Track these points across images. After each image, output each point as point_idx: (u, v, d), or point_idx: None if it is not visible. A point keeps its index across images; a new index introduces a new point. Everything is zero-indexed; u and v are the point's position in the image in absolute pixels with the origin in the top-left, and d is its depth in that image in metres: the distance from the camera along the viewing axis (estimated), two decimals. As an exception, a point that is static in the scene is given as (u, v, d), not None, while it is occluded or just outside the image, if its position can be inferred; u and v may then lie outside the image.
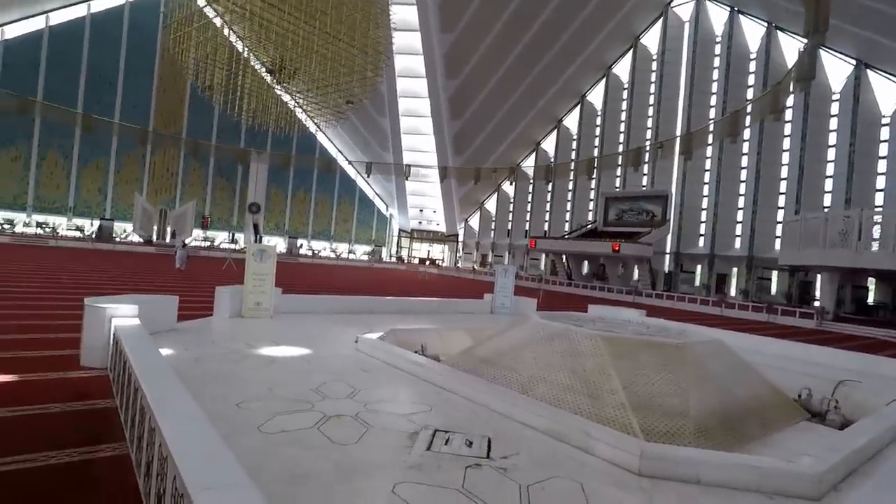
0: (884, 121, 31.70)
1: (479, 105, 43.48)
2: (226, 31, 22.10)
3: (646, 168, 41.28)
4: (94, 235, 36.10)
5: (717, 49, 39.14)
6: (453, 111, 43.81)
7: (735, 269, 36.85)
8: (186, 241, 31.31)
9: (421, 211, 54.42)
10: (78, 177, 39.20)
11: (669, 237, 39.26)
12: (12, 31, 35.93)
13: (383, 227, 57.05)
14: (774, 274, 34.71)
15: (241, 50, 23.69)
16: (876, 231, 23.87)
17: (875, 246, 22.72)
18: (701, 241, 39.06)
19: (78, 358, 5.86)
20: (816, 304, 31.38)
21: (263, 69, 19.02)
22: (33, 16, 36.33)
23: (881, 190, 31.53)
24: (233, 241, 44.10)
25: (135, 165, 41.92)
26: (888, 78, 31.15)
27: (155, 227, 39.49)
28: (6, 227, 34.26)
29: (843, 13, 25.39)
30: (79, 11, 38.44)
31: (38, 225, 36.25)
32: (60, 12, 37.53)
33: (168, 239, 38.23)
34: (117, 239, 37.26)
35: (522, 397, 5.13)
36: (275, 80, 18.70)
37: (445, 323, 10.65)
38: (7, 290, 11.45)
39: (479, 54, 40.39)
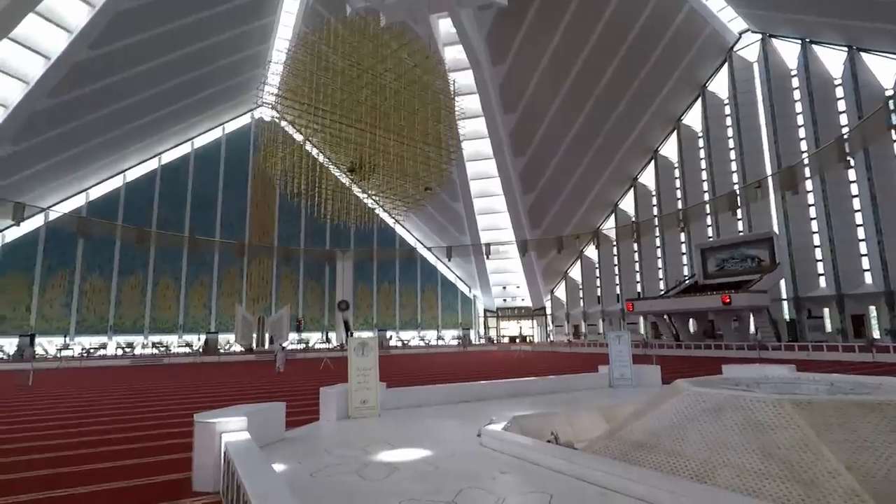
0: None
1: (551, 175, 43.45)
2: (307, 145, 24.04)
3: (739, 213, 38.46)
4: (201, 349, 38.36)
5: (795, 82, 37.08)
6: (525, 185, 44.02)
7: (873, 308, 32.02)
8: (284, 345, 32.32)
9: (504, 288, 53.52)
10: (186, 295, 42.67)
11: (783, 282, 35.32)
12: (133, 174, 41.46)
13: (468, 309, 56.46)
14: (926, 308, 29.70)
15: (320, 159, 25.55)
16: None
17: None
18: (822, 282, 34.70)
19: (191, 482, 5.42)
20: None
21: (345, 169, 20.12)
22: (149, 159, 41.88)
23: None
24: (326, 340, 45.16)
25: (234, 278, 45.17)
26: None
27: (254, 335, 41.41)
28: (127, 350, 37.31)
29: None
30: (185, 149, 43.95)
31: (154, 345, 39.19)
32: (170, 152, 43.05)
33: (267, 345, 39.80)
34: (221, 350, 39.31)
35: (729, 494, 3.91)
36: (356, 178, 19.59)
37: (566, 404, 9.46)
38: (121, 412, 11.74)
39: (544, 126, 40.99)
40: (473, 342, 50.70)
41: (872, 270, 32.20)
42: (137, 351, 37.75)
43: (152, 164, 42.40)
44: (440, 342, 50.71)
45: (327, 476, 4.95)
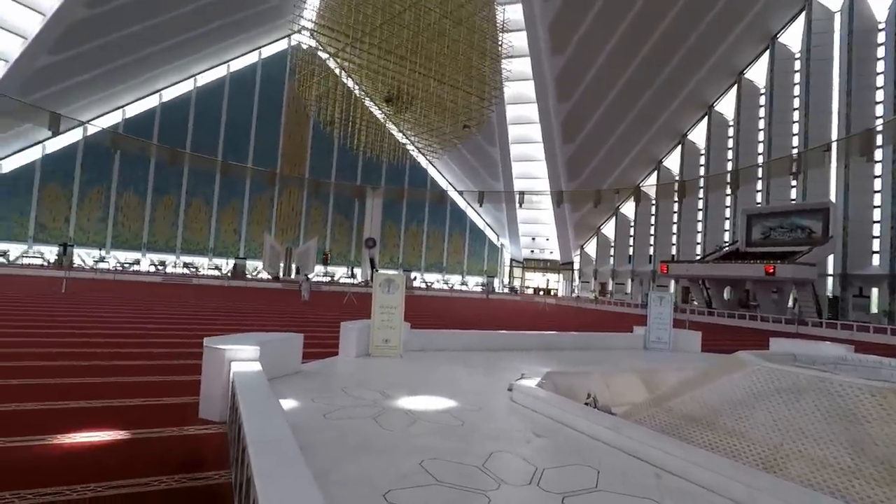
0: None
1: (594, 126, 41.16)
2: (344, 76, 22.92)
3: (793, 180, 35.96)
4: (229, 274, 39.04)
5: (882, 37, 33.34)
6: (566, 135, 41.92)
7: (926, 293, 30.06)
8: (309, 276, 32.46)
9: (533, 239, 52.47)
10: (217, 220, 43.10)
11: (832, 257, 33.33)
12: (168, 95, 40.99)
13: (494, 257, 55.88)
14: None
15: (356, 89, 24.47)
16: None
17: None
18: (876, 259, 32.60)
19: (197, 409, 5.02)
20: None
21: (381, 99, 19.04)
22: (184, 79, 41.21)
23: None
24: (351, 275, 45.48)
25: (265, 207, 45.30)
26: None
27: (281, 265, 41.87)
28: (159, 268, 38.24)
29: None
30: (220, 72, 43.00)
31: (185, 265, 40.05)
32: (206, 74, 42.21)
33: (293, 275, 40.25)
34: (249, 276, 39.96)
35: (818, 496, 3.19)
36: (392, 110, 18.56)
37: (597, 362, 8.85)
38: (139, 327, 11.66)
39: (592, 73, 38.41)
40: (497, 291, 50.40)
41: (933, 252, 29.99)
42: (169, 270, 38.67)
43: (188, 86, 41.76)
44: (464, 287, 50.60)
45: (341, 419, 4.44)
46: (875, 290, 32.04)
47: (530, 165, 45.87)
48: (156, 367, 7.17)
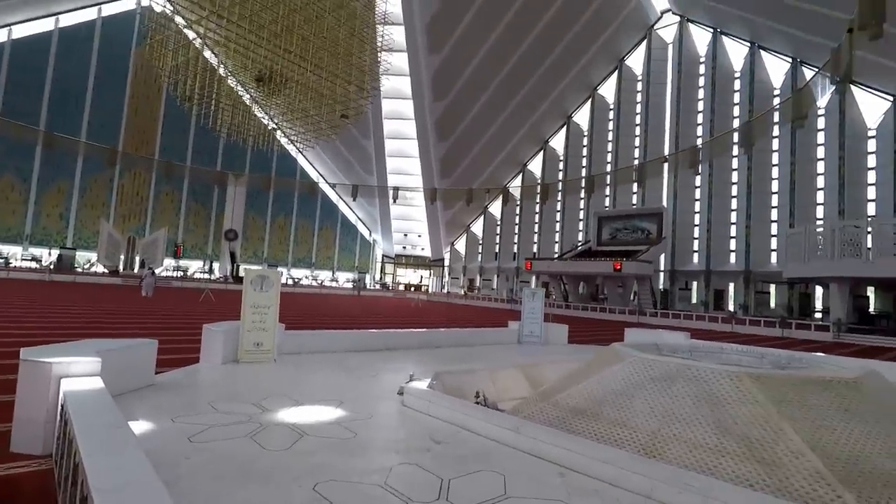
0: (870, 133, 31.64)
1: (467, 126, 42.47)
2: (205, 50, 20.47)
3: (634, 187, 40.72)
4: (52, 266, 33.14)
5: (702, 69, 39.15)
6: (440, 133, 42.64)
7: (732, 285, 36.04)
8: (155, 270, 28.71)
9: (405, 235, 52.67)
10: (37, 202, 36.25)
11: (663, 255, 38.41)
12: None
13: (366, 252, 55.01)
14: (773, 287, 33.98)
15: (220, 68, 22.07)
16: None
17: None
18: (696, 258, 38.28)
19: (8, 439, 3.91)
20: (818, 315, 30.68)
21: (251, 77, 17.23)
22: (-6, 29, 33.99)
23: (873, 200, 31.25)
24: (209, 270, 41.38)
25: (101, 189, 39.10)
26: (870, 92, 31.15)
27: (122, 257, 36.71)
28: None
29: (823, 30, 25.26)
30: (46, 25, 36.11)
31: (-11, 255, 33.18)
32: (25, 26, 35.18)
33: (136, 269, 35.49)
34: (79, 269, 34.34)
35: (712, 480, 3.33)
36: (263, 90, 16.98)
37: (474, 359, 8.91)
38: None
39: (466, 75, 39.54)
40: (368, 287, 49.70)
41: (738, 251, 36.03)
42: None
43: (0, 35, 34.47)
44: (334, 284, 49.07)
45: (212, 441, 3.75)
46: (695, 284, 37.61)
47: (404, 161, 45.91)
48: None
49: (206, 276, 39.08)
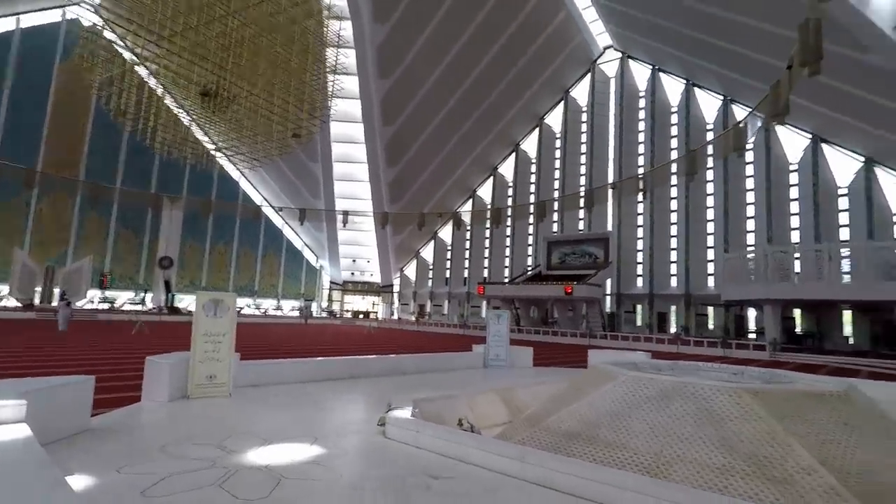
0: (791, 167, 34.19)
1: (417, 151, 42.47)
2: (140, 66, 19.30)
3: (581, 213, 41.90)
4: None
5: (642, 103, 41.31)
6: (390, 157, 42.39)
7: (674, 307, 37.42)
8: (70, 300, 25.96)
9: (354, 261, 51.46)
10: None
11: (610, 279, 39.47)
12: None
13: (313, 279, 53.23)
14: (710, 309, 35.54)
15: (158, 88, 20.85)
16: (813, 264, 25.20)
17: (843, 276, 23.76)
18: (640, 282, 39.57)
19: None
20: (751, 335, 32.31)
21: (197, 93, 16.20)
22: None
23: (796, 228, 33.58)
24: (141, 301, 38.40)
25: (14, 215, 35.41)
26: (792, 130, 33.82)
27: (38, 289, 33.48)
28: None
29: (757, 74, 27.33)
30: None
31: None
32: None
33: (56, 301, 32.41)
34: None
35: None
36: (208, 106, 16.05)
37: (444, 384, 8.44)
38: None
39: (416, 101, 39.70)
40: (315, 315, 47.94)
41: (678, 275, 37.57)
42: None
43: None
44: (278, 312, 47.02)
45: (171, 494, 3.08)
46: (640, 307, 38.79)
47: (353, 185, 45.18)
48: None
49: (139, 307, 36.27)
